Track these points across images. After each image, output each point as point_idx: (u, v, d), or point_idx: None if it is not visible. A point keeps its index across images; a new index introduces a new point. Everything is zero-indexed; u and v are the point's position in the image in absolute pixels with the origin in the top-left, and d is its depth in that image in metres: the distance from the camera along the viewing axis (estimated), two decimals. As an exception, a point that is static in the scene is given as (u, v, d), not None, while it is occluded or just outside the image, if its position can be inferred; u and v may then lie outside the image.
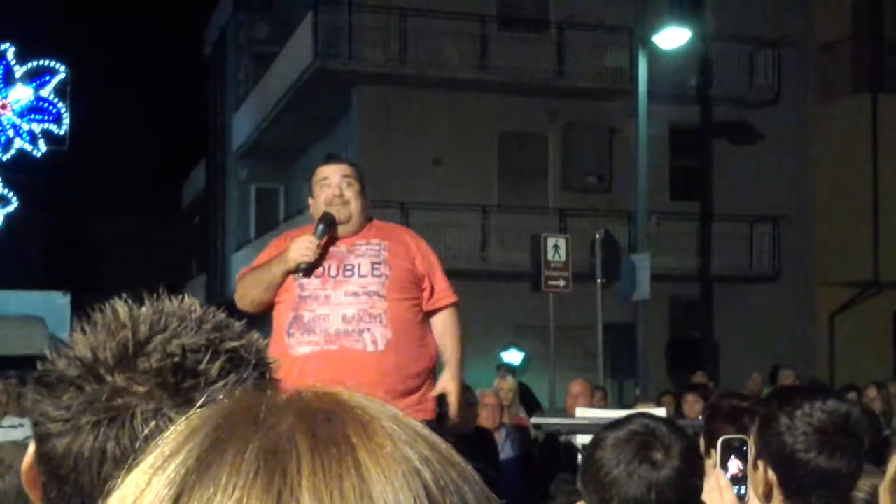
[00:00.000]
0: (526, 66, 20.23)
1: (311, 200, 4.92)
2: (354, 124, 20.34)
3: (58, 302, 18.13)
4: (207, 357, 1.12)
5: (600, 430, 2.58)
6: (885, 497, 1.82)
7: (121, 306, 1.17)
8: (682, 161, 21.44)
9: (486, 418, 7.81)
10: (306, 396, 0.69)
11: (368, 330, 4.50)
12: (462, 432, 7.05)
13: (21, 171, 24.30)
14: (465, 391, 7.35)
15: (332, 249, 4.72)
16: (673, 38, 17.27)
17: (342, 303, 4.56)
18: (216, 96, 30.24)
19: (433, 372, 4.76)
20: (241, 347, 1.16)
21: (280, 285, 4.69)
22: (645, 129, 16.75)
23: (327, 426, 0.65)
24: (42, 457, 1.15)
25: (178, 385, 1.11)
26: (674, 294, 20.38)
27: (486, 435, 7.61)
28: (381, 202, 15.06)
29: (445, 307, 4.82)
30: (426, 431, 0.68)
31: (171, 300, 1.19)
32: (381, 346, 4.49)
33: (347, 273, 4.63)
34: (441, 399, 4.75)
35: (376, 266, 4.65)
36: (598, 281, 14.77)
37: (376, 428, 0.65)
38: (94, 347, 1.13)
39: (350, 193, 4.78)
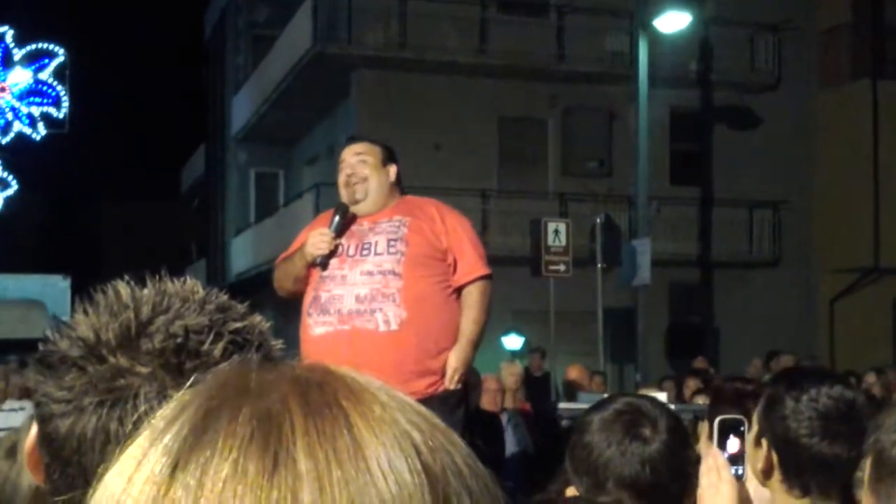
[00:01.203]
0: (526, 49, 20.19)
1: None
2: (354, 108, 20.30)
3: (58, 285, 18.14)
4: (210, 338, 1.12)
5: (583, 414, 2.58)
6: (867, 499, 1.82)
7: (123, 287, 1.16)
8: (682, 146, 21.42)
9: (487, 402, 7.81)
10: (297, 368, 0.70)
11: (381, 309, 4.44)
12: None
13: (21, 154, 24.28)
14: (470, 372, 7.33)
15: (354, 228, 4.68)
16: (673, 22, 17.22)
17: (357, 282, 4.51)
18: (215, 80, 30.19)
19: None
20: (244, 329, 1.16)
21: (306, 277, 4.69)
22: (645, 113, 16.71)
23: (319, 393, 0.66)
24: (45, 438, 1.15)
25: (181, 366, 1.11)
26: (674, 279, 20.38)
27: (491, 418, 7.60)
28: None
29: (472, 282, 4.66)
30: (413, 401, 0.69)
31: (173, 282, 1.19)
32: (393, 326, 4.42)
33: (364, 252, 4.58)
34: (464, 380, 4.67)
35: (392, 243, 4.57)
36: (599, 266, 14.77)
37: (366, 394, 0.67)
38: (97, 328, 1.13)
39: (366, 170, 4.72)
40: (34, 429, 1.18)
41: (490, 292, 4.74)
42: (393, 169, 4.81)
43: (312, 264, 4.63)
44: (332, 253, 4.60)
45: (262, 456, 0.62)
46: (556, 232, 13.91)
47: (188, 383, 0.75)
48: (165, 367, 1.11)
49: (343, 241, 4.64)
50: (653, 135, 17.34)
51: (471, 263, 4.69)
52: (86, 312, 1.16)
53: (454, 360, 4.53)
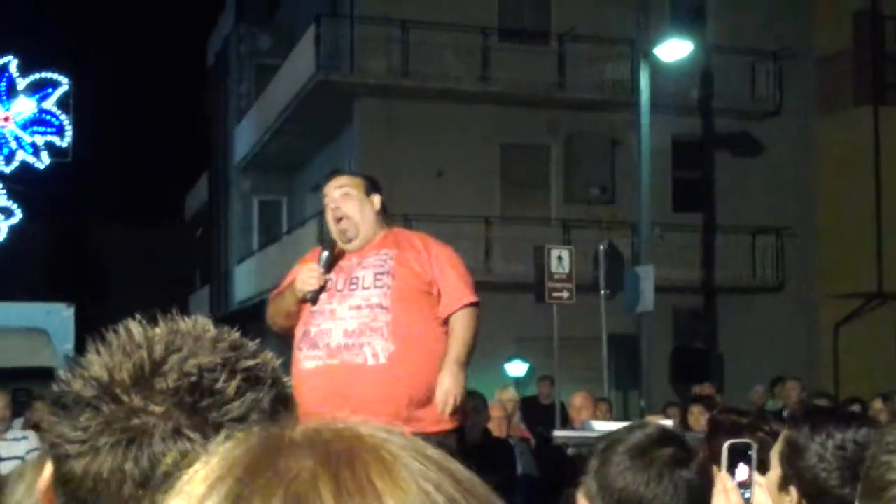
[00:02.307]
0: (527, 77, 20.27)
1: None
2: (356, 136, 20.36)
3: (62, 314, 18.09)
4: (224, 376, 1.13)
5: (602, 450, 2.52)
6: None
7: (135, 326, 1.17)
8: (684, 173, 21.45)
9: (495, 429, 7.80)
10: (325, 435, 0.68)
11: (369, 343, 4.44)
12: (471, 440, 7.03)
13: (24, 183, 24.31)
14: (474, 397, 7.33)
15: (342, 262, 4.71)
16: (674, 50, 17.29)
17: (345, 317, 4.52)
18: (218, 108, 30.27)
19: None
20: (256, 366, 1.16)
21: (297, 312, 4.71)
22: (647, 140, 16.75)
23: (349, 471, 0.63)
24: (60, 478, 1.14)
25: (196, 404, 1.11)
26: (677, 305, 20.37)
27: (501, 446, 7.58)
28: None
29: (457, 311, 4.64)
30: (449, 464, 0.67)
31: (184, 320, 1.19)
32: (382, 360, 4.42)
33: (352, 286, 4.59)
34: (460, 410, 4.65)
35: (379, 277, 4.58)
36: (602, 292, 14.77)
37: (399, 469, 0.64)
38: (111, 368, 1.14)
39: (349, 206, 4.73)
40: (48, 469, 1.18)
41: (477, 318, 4.69)
42: (377, 198, 4.82)
43: (303, 300, 4.65)
44: (322, 288, 4.61)
45: None
46: (560, 258, 13.91)
47: (215, 444, 0.74)
48: (180, 405, 1.11)
49: (332, 275, 4.66)
50: (655, 161, 17.36)
51: (456, 292, 4.66)
52: (98, 352, 1.16)
53: (445, 382, 4.48)
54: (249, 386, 1.13)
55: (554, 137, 20.88)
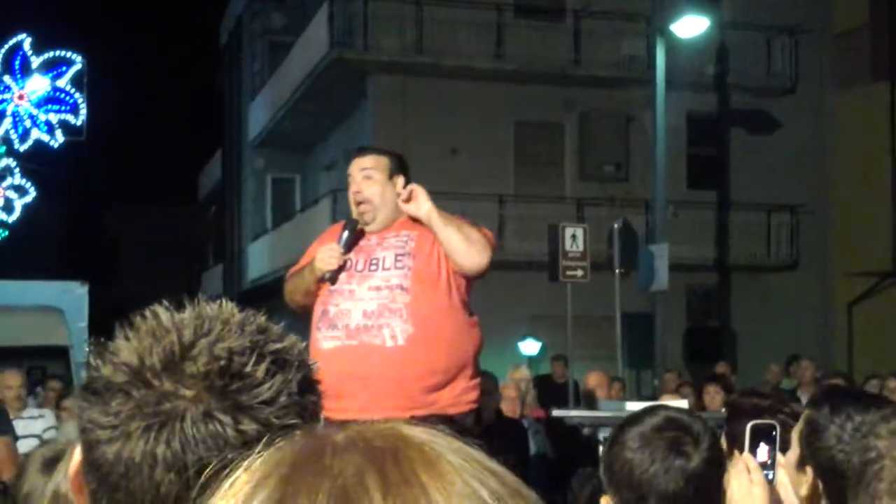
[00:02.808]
0: (542, 54, 20.20)
1: None
2: (370, 114, 20.33)
3: (76, 292, 18.12)
4: (253, 359, 1.13)
5: (617, 428, 2.55)
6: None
7: (163, 311, 1.18)
8: (699, 150, 21.38)
9: (507, 410, 7.78)
10: (369, 435, 0.68)
11: (388, 325, 4.43)
12: (483, 420, 7.02)
13: (38, 161, 24.38)
14: (486, 377, 7.32)
15: (362, 243, 4.68)
16: (691, 26, 17.17)
17: (364, 297, 4.51)
18: (232, 86, 30.28)
19: (471, 364, 4.60)
20: (283, 349, 1.17)
21: (316, 291, 4.68)
22: (662, 117, 16.66)
23: (395, 466, 0.64)
24: (91, 464, 1.15)
25: (226, 388, 1.12)
26: (691, 284, 20.34)
27: (513, 425, 7.56)
28: (397, 192, 15.04)
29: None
30: (491, 463, 0.67)
31: (209, 305, 1.20)
32: (400, 342, 4.41)
33: (372, 267, 4.57)
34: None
35: (400, 258, 4.56)
36: (616, 271, 14.72)
37: (444, 465, 0.65)
38: (140, 353, 1.14)
39: (370, 190, 4.69)
40: (77, 454, 1.19)
41: (484, 247, 4.60)
42: (401, 180, 4.75)
43: (321, 279, 4.62)
44: (342, 268, 4.60)
45: None
46: (574, 237, 13.86)
47: (258, 450, 0.73)
48: (210, 389, 1.12)
49: (352, 255, 4.64)
50: (670, 139, 17.29)
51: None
52: (127, 338, 1.16)
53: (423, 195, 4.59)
54: (278, 368, 1.14)
55: (568, 115, 20.82)
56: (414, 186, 4.63)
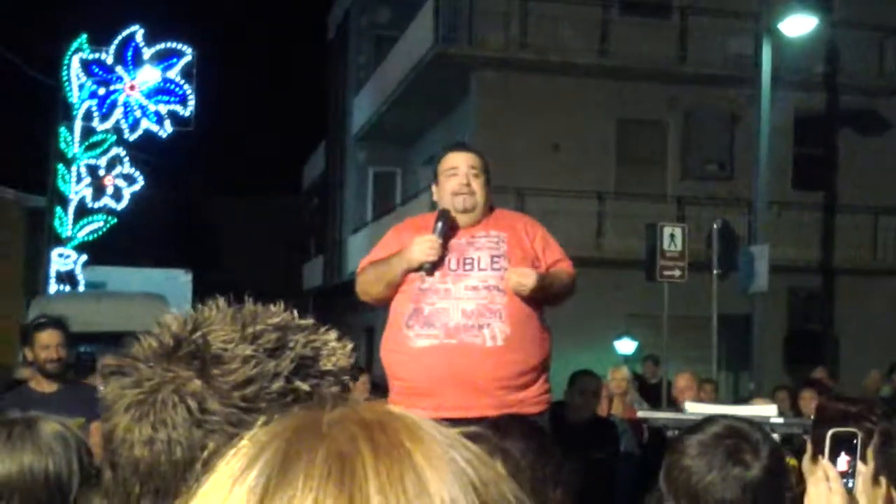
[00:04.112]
0: (647, 51, 20.04)
1: (434, 188, 4.91)
2: (473, 108, 20.37)
3: (180, 279, 18.55)
4: (237, 347, 1.25)
5: (678, 436, 2.56)
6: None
7: (172, 318, 1.31)
8: (806, 150, 21.02)
9: (601, 410, 7.77)
10: (360, 410, 0.77)
11: (489, 325, 4.48)
12: (580, 419, 7.02)
13: (147, 151, 24.91)
14: (593, 378, 7.34)
15: (451, 241, 4.69)
16: (799, 25, 16.87)
17: (462, 297, 4.54)
18: (337, 80, 30.58)
19: (548, 366, 4.71)
20: (276, 339, 1.26)
21: (401, 283, 4.69)
22: (767, 116, 16.41)
23: (384, 434, 0.73)
24: (104, 436, 1.28)
25: (204, 371, 1.24)
26: (793, 286, 20.01)
27: (606, 424, 7.55)
28: (497, 187, 15.01)
29: (563, 266, 4.83)
30: (461, 437, 0.76)
31: (212, 306, 1.32)
32: (499, 342, 4.47)
33: (467, 267, 4.61)
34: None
35: (496, 259, 4.61)
36: (715, 272, 14.56)
37: (424, 434, 0.74)
38: (142, 346, 1.29)
39: (476, 185, 4.75)
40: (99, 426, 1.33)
41: (574, 283, 4.84)
42: (489, 184, 4.86)
43: (416, 270, 4.62)
44: (440, 260, 4.61)
45: (338, 494, 0.69)
46: (672, 236, 13.75)
47: (259, 422, 0.82)
48: (188, 370, 1.24)
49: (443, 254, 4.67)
50: (776, 138, 17.04)
51: (564, 262, 4.83)
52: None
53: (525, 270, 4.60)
54: (264, 357, 1.23)
55: (672, 113, 20.62)
56: (526, 272, 4.60)
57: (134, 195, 24.23)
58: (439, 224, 4.65)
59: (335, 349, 1.28)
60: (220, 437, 1.17)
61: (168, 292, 17.44)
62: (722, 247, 14.64)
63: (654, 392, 13.08)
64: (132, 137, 23.94)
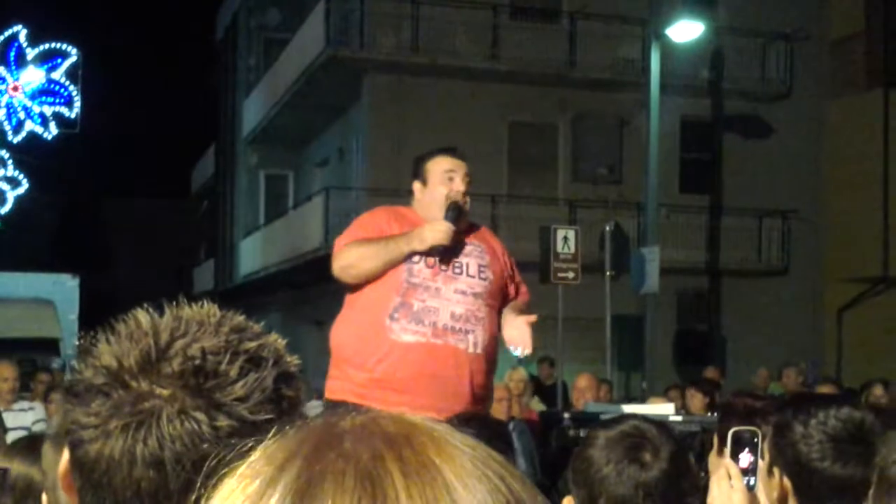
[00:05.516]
0: (537, 56, 20.20)
1: (417, 185, 4.88)
2: (365, 112, 20.33)
3: (67, 284, 18.16)
4: (227, 358, 1.18)
5: (592, 429, 2.63)
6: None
7: (142, 315, 1.23)
8: (692, 154, 21.42)
9: (496, 411, 7.78)
10: (381, 422, 0.72)
11: (473, 332, 4.56)
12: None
13: (32, 153, 24.34)
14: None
15: (437, 246, 4.69)
16: (686, 31, 17.22)
17: (451, 299, 4.57)
18: (227, 82, 30.27)
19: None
20: (258, 347, 1.22)
21: (393, 268, 4.62)
22: (656, 121, 16.72)
23: (411, 450, 0.69)
24: (76, 462, 1.20)
25: (200, 386, 1.17)
26: (681, 287, 20.37)
27: (499, 427, 7.58)
28: (391, 190, 15.06)
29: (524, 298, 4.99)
30: (491, 450, 0.73)
31: (190, 306, 1.25)
32: (479, 350, 4.56)
33: (457, 270, 4.64)
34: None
35: (482, 269, 4.70)
36: (607, 273, 14.76)
37: (452, 449, 0.70)
38: (119, 356, 1.19)
39: (466, 195, 4.82)
40: (65, 454, 1.24)
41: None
42: None
43: (427, 253, 4.59)
44: (449, 248, 4.62)
45: None
46: (566, 239, 13.91)
47: (270, 435, 0.76)
48: (185, 388, 1.17)
49: (440, 247, 4.65)
50: (663, 142, 17.34)
51: (523, 286, 5.01)
52: (108, 342, 1.21)
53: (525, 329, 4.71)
54: (252, 366, 1.19)
55: (563, 116, 20.84)
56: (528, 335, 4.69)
57: (18, 198, 23.67)
58: (451, 213, 4.67)
59: (284, 350, 1.26)
60: (227, 451, 1.12)
61: (55, 297, 17.08)
62: (614, 249, 14.88)
63: (550, 393, 13.19)
64: (16, 140, 23.38)
